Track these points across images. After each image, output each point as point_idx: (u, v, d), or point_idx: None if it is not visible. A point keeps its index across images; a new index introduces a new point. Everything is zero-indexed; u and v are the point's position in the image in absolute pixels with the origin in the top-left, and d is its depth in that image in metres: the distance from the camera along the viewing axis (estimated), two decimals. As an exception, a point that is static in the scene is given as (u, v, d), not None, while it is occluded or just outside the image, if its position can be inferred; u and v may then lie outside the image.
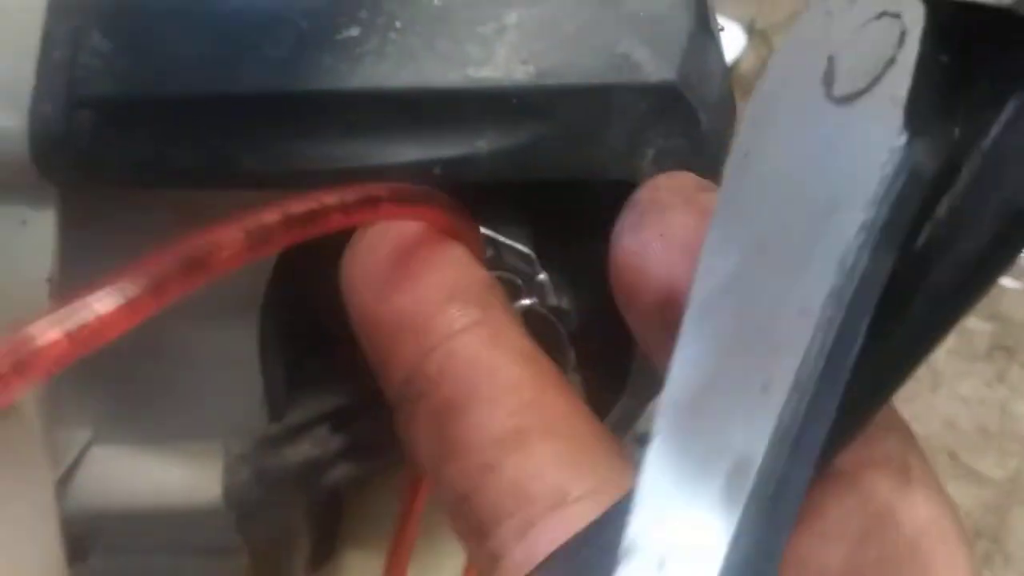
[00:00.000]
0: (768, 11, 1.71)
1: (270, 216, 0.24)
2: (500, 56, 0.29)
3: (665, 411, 0.20)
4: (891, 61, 0.20)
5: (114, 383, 0.36)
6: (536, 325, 0.32)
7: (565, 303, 0.33)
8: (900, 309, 0.19)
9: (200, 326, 0.35)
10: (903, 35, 0.20)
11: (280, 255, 0.33)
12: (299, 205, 0.24)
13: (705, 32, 0.31)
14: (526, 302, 0.32)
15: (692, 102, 0.29)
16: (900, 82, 0.19)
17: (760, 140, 0.23)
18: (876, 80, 0.20)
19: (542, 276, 0.32)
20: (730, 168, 0.23)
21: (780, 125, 0.23)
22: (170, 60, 0.28)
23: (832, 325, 0.18)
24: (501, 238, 0.31)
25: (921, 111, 0.19)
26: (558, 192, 0.32)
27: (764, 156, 0.22)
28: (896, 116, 0.19)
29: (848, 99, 0.21)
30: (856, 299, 0.18)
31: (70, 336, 0.20)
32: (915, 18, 0.19)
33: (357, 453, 0.38)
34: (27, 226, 0.29)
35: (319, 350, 0.38)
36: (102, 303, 0.21)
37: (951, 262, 0.19)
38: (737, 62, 1.76)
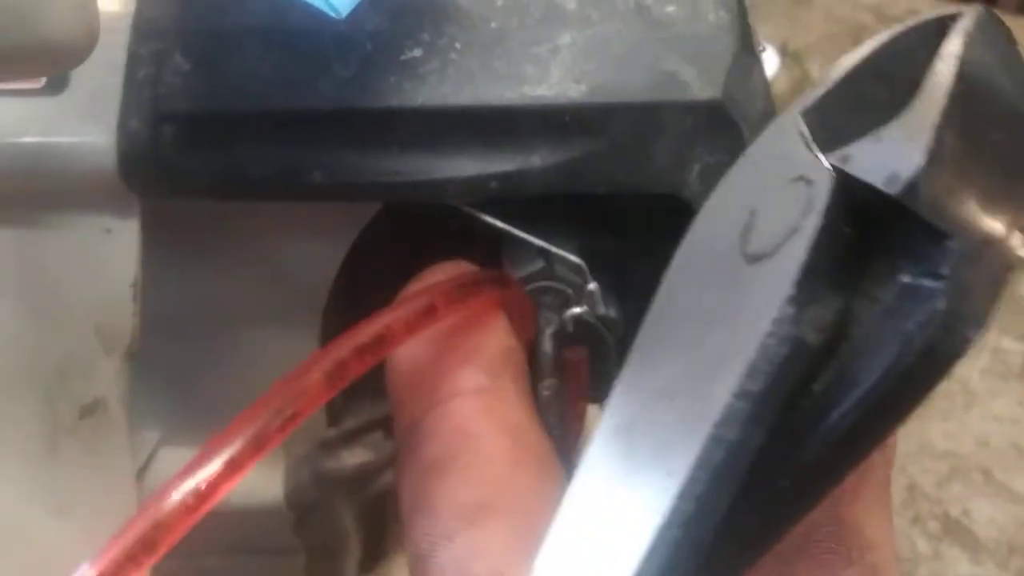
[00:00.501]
0: (801, 33, 1.71)
1: (342, 351, 0.26)
2: (554, 75, 0.30)
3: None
4: (795, 229, 0.19)
5: (182, 387, 0.38)
6: (585, 333, 0.33)
7: (613, 312, 0.34)
8: (773, 476, 0.19)
9: (264, 331, 0.37)
10: (811, 203, 0.19)
11: (342, 264, 0.35)
12: (366, 333, 0.27)
13: (748, 52, 0.32)
14: (576, 311, 0.33)
15: (736, 119, 0.31)
16: (798, 253, 0.19)
17: (679, 284, 0.23)
18: (780, 245, 0.19)
19: (592, 286, 0.33)
20: (651, 310, 0.23)
21: (698, 270, 0.23)
22: (245, 78, 0.30)
23: (695, 489, 0.18)
24: (553, 248, 0.33)
25: (813, 284, 0.19)
26: (607, 205, 0.33)
27: (679, 301, 0.22)
28: (787, 288, 0.18)
29: (757, 258, 0.20)
30: (723, 469, 0.18)
31: (187, 507, 0.23)
32: (823, 190, 0.19)
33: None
34: (112, 235, 0.30)
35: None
36: (210, 467, 0.24)
37: (819, 439, 0.18)
38: (770, 84, 1.76)
